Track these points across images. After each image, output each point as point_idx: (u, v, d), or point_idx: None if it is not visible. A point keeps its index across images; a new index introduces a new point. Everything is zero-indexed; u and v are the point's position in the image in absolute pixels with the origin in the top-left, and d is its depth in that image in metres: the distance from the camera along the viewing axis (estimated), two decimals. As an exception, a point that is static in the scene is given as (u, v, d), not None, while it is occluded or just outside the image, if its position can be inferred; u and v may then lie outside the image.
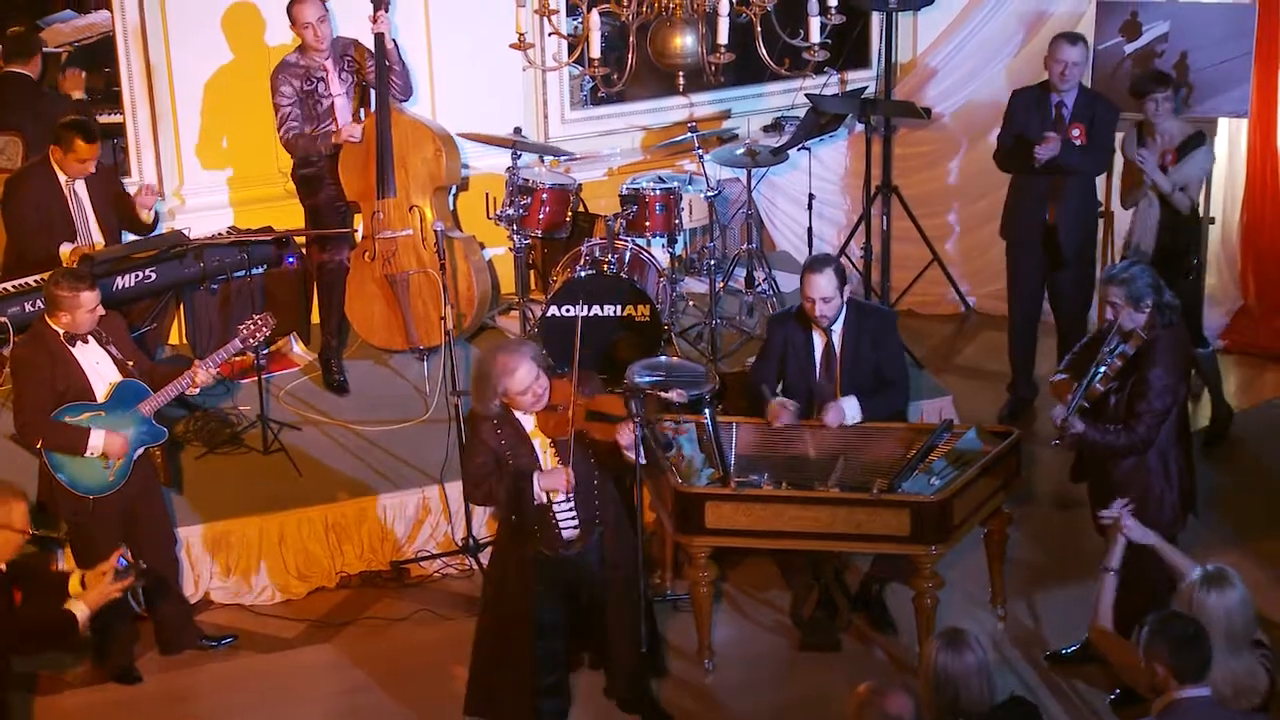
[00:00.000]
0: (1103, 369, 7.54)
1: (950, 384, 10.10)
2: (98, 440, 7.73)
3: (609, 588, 7.44)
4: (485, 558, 8.79)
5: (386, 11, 9.56)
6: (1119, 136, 9.74)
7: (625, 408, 7.11)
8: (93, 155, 9.09)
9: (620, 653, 7.54)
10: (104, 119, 10.22)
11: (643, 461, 7.24)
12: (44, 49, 9.98)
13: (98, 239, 9.24)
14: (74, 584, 6.98)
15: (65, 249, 9.10)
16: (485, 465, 7.28)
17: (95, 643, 8.15)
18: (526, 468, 7.23)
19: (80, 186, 9.20)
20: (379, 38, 9.57)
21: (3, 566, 6.85)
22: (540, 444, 7.26)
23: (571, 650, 7.68)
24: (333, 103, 9.71)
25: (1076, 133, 9.43)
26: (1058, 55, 9.46)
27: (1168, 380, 7.48)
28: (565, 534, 7.33)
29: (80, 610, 6.80)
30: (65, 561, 8.26)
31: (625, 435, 7.11)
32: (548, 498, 7.23)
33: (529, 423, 7.25)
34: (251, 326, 8.19)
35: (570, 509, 7.29)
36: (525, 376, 7.09)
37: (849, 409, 8.19)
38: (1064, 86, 9.49)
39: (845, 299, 8.22)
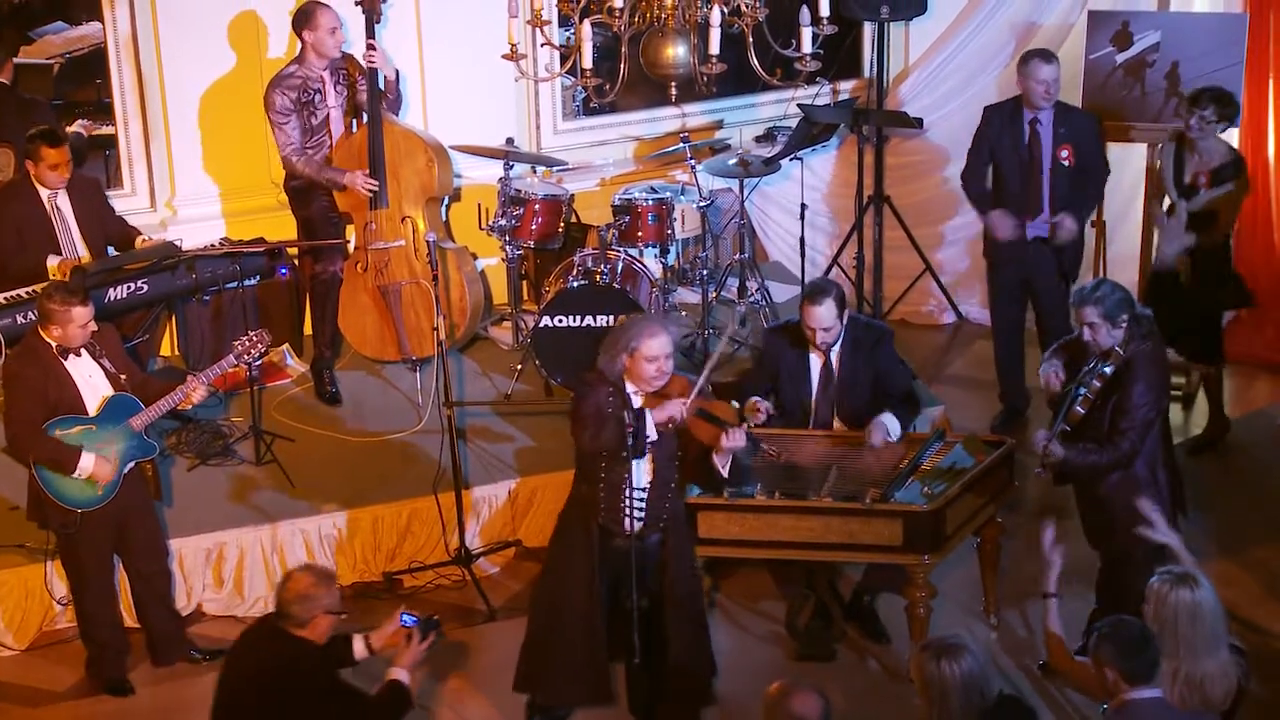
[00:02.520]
0: (1083, 391, 7.54)
1: (943, 394, 10.11)
2: (87, 463, 7.71)
3: (667, 601, 7.30)
4: (485, 565, 8.81)
5: (374, 34, 9.58)
6: (1157, 148, 9.73)
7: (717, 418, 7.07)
8: (63, 159, 9.06)
9: (674, 666, 7.37)
10: (96, 131, 10.26)
11: (725, 474, 7.20)
12: (15, 57, 9.97)
13: (82, 253, 9.22)
14: (359, 649, 6.86)
15: (52, 262, 9.09)
16: (598, 410, 7.12)
17: (88, 654, 8.17)
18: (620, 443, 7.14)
19: (63, 200, 9.18)
20: (373, 70, 9.59)
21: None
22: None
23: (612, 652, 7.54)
24: (329, 114, 9.71)
25: (1065, 154, 9.44)
26: (1037, 75, 9.45)
27: (1150, 395, 7.49)
28: (627, 523, 7.20)
29: (404, 676, 6.65)
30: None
31: (733, 438, 7.04)
32: (630, 482, 7.13)
33: (638, 405, 7.15)
34: (247, 342, 8.17)
35: (642, 501, 7.20)
36: (661, 346, 7.05)
37: (892, 426, 8.17)
38: (1045, 105, 9.49)
39: (845, 322, 8.22)
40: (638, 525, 7.21)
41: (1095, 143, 9.65)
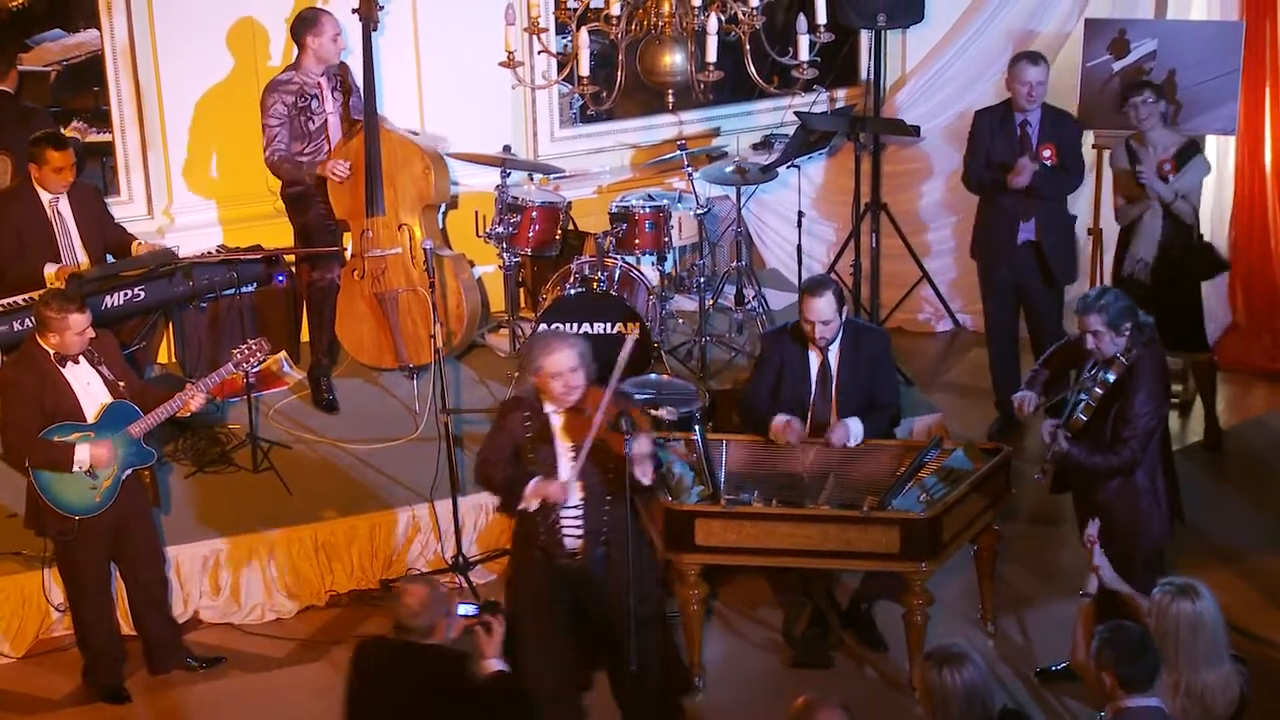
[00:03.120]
0: (1084, 399, 7.56)
1: (940, 401, 10.12)
2: (84, 454, 7.71)
3: (620, 610, 7.27)
4: (475, 576, 8.80)
5: (373, 38, 9.60)
6: (1108, 152, 9.78)
7: (621, 425, 7.01)
8: (67, 163, 9.05)
9: (635, 676, 7.34)
10: (93, 137, 10.26)
11: (647, 482, 7.13)
12: (19, 65, 9.97)
13: (82, 259, 9.21)
14: None
15: (50, 270, 9.09)
16: (500, 450, 7.24)
17: (85, 661, 8.16)
18: (542, 464, 7.18)
19: (64, 206, 9.18)
20: (369, 78, 9.60)
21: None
22: (563, 447, 7.19)
23: (582, 667, 7.60)
24: (326, 120, 9.72)
25: (1048, 153, 9.46)
26: (1022, 76, 9.49)
27: (1151, 403, 7.50)
28: (567, 542, 7.25)
29: (501, 665, 6.56)
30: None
31: (636, 445, 7.01)
32: (542, 503, 7.16)
33: (558, 422, 7.20)
34: (246, 351, 8.16)
35: (577, 518, 7.22)
36: (561, 361, 7.07)
37: (854, 429, 8.17)
38: (1030, 106, 9.52)
39: (843, 319, 8.22)
40: (577, 543, 7.23)
41: (1075, 144, 9.66)
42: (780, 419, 8.20)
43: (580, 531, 7.24)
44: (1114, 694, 5.86)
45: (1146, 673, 5.84)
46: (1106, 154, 10.04)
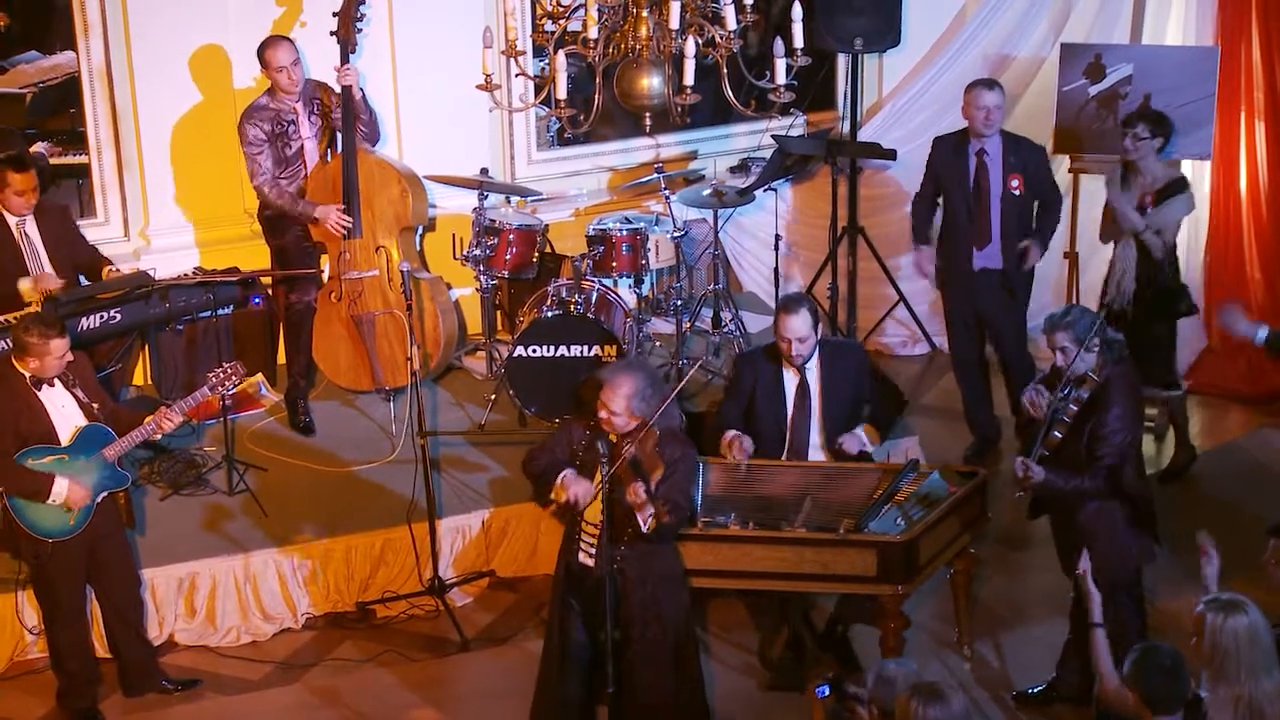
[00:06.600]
0: (1059, 417, 7.56)
1: (916, 424, 10.12)
2: (61, 489, 7.68)
3: (626, 641, 7.27)
4: (452, 599, 8.78)
5: (349, 62, 9.59)
6: (1085, 176, 9.80)
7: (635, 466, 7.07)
8: (29, 185, 9.01)
9: (631, 707, 7.32)
10: (69, 159, 10.25)
11: (644, 529, 7.11)
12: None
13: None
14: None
15: (24, 284, 9.04)
16: (553, 448, 7.33)
17: (59, 684, 8.12)
18: (584, 474, 7.22)
19: (31, 226, 9.13)
20: (346, 89, 9.59)
21: None
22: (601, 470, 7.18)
23: (593, 686, 7.53)
24: (303, 146, 9.71)
25: (1015, 184, 9.47)
26: (978, 102, 9.46)
27: (1125, 420, 7.51)
28: (581, 555, 7.28)
29: None
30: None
31: (632, 493, 7.06)
32: (567, 505, 7.21)
33: (607, 446, 7.19)
34: (221, 375, 8.13)
35: (594, 536, 7.22)
36: (606, 391, 7.13)
37: (863, 435, 8.23)
38: (988, 132, 9.50)
39: (819, 337, 8.23)
40: (589, 560, 7.24)
41: (1046, 172, 9.68)
42: (728, 434, 8.21)
43: (591, 549, 7.24)
44: (1141, 714, 5.84)
45: (1173, 694, 5.81)
46: (1084, 178, 10.07)
